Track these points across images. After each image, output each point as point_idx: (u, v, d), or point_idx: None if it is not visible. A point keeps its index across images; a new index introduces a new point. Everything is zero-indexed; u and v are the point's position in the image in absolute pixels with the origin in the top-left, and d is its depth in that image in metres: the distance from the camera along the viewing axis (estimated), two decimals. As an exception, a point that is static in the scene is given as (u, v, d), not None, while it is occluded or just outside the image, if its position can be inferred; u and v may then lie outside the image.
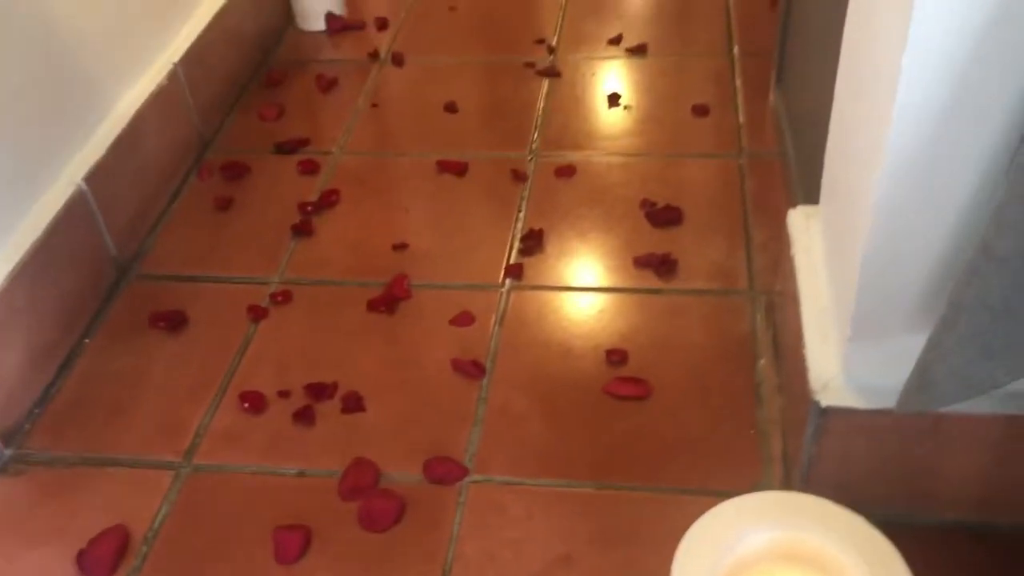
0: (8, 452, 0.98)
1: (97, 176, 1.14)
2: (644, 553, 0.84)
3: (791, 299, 0.89)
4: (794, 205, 1.13)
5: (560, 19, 1.67)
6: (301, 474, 0.94)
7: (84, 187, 1.11)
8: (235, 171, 1.36)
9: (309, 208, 1.28)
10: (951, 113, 0.60)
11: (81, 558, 0.87)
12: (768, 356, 1.01)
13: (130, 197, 1.21)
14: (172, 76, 1.31)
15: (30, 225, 1.04)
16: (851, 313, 0.74)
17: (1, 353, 0.97)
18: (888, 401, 0.72)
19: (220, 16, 1.45)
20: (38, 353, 1.04)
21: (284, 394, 1.02)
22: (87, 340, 1.11)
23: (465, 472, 0.93)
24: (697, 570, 0.57)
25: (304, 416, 1.00)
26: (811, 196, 1.04)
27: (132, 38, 1.25)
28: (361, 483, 0.92)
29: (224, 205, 1.30)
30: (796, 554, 0.60)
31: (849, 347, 0.76)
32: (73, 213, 1.09)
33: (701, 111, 1.40)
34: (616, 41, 1.59)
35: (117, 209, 1.18)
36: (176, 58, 1.33)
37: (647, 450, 0.93)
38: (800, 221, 0.94)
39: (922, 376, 0.63)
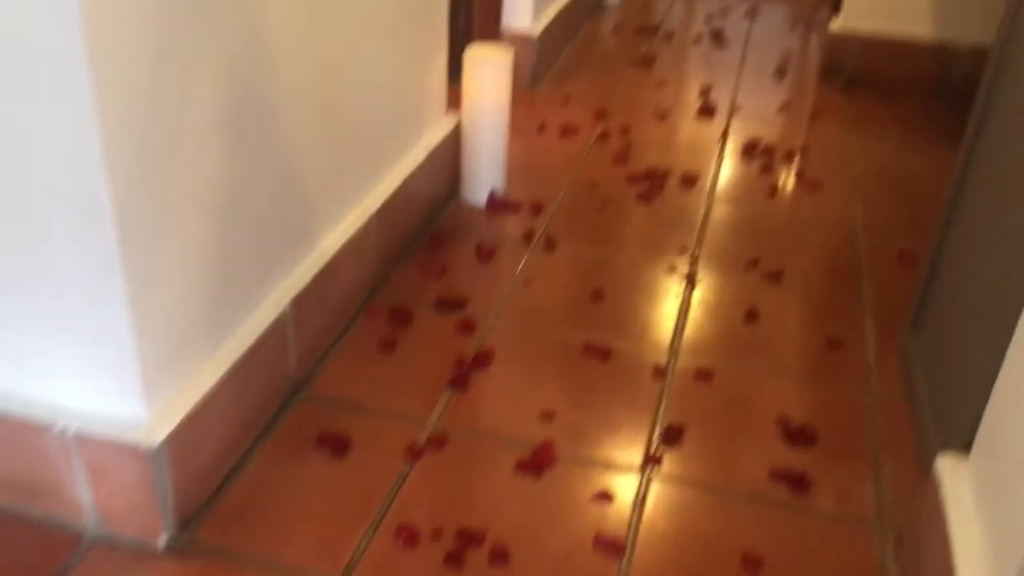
0: (183, 537, 1.06)
1: (298, 302, 1.26)
2: None
3: (938, 540, 0.95)
4: (925, 447, 1.21)
5: (699, 233, 1.81)
6: (448, 615, 1.00)
7: (288, 310, 1.24)
8: (399, 317, 1.48)
9: (465, 364, 1.39)
10: None
11: (243, 654, 0.93)
12: (897, 590, 1.05)
13: (315, 324, 1.34)
14: (367, 224, 1.47)
15: (241, 337, 1.16)
16: (1019, 566, 0.80)
17: (197, 448, 1.07)
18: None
19: (407, 180, 1.62)
20: (219, 453, 1.13)
21: (436, 535, 1.09)
22: (258, 448, 1.20)
23: (604, 645, 0.97)
24: None
25: (454, 559, 1.06)
26: (948, 441, 1.12)
27: (344, 187, 1.41)
28: (505, 635, 0.97)
29: (388, 346, 1.42)
30: None
31: (1006, 597, 0.82)
32: (274, 332, 1.21)
33: (833, 343, 1.50)
34: (754, 263, 1.72)
35: (304, 333, 1.30)
36: (373, 210, 1.49)
37: (779, 659, 0.97)
38: (950, 468, 1.01)
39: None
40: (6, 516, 1.07)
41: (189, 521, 1.08)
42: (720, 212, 1.90)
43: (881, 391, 1.40)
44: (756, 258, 1.73)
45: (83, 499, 1.04)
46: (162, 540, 1.05)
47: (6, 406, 1.01)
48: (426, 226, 1.76)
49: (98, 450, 1.00)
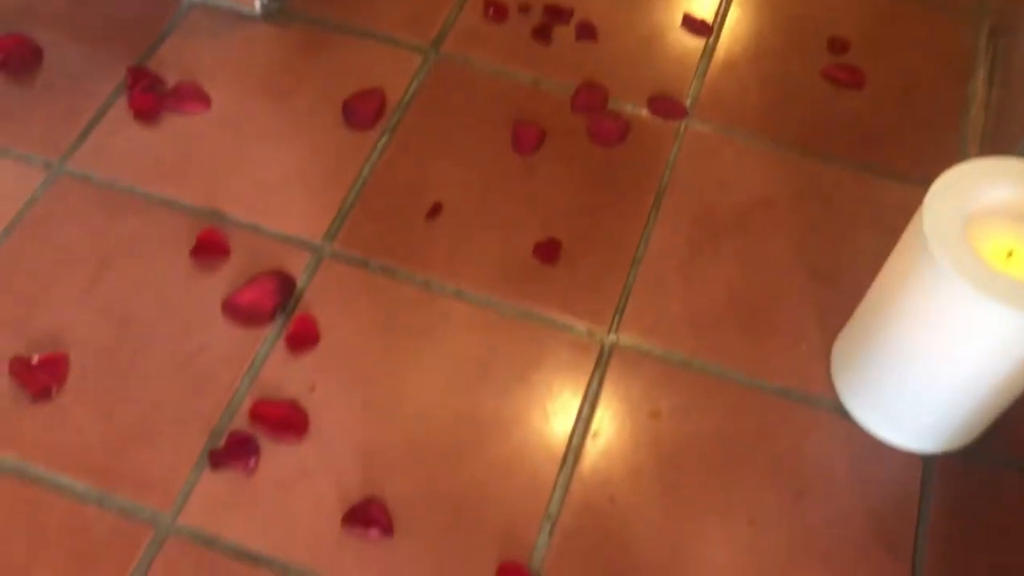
0: (276, 4, 1.08)
1: None
2: (835, 214, 0.95)
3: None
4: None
5: None
6: (536, 83, 1.04)
7: None
8: None
9: None
10: None
11: (346, 107, 1.00)
12: (983, 75, 1.06)
13: None
14: None
15: None
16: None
17: (280, -91, 1.04)
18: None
19: None
20: (302, -81, 1.10)
21: (524, 9, 1.09)
22: (339, -81, 1.17)
23: (685, 113, 1.02)
24: (945, 214, 0.68)
25: (541, 33, 1.07)
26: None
27: None
28: (591, 102, 1.02)
29: None
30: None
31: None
32: None
33: None
34: None
35: None
36: None
37: (852, 132, 1.02)
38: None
39: None
40: (103, -21, 1.09)
41: (280, -13, 1.09)
42: None
43: None
44: None
45: (174, -38, 1.05)
46: (257, 5, 1.07)
47: None
48: None
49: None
